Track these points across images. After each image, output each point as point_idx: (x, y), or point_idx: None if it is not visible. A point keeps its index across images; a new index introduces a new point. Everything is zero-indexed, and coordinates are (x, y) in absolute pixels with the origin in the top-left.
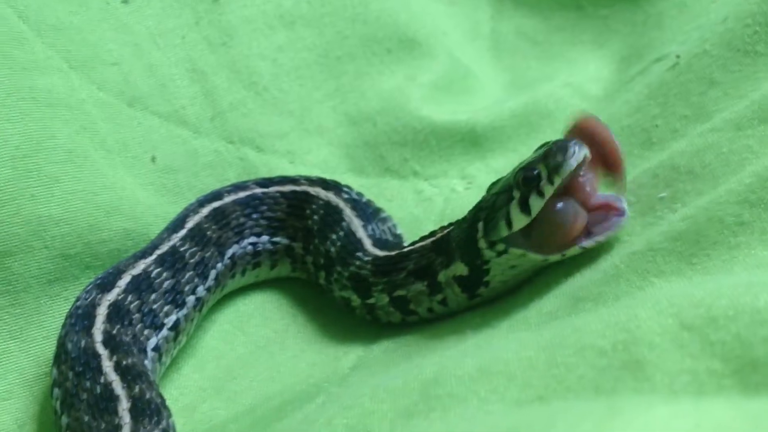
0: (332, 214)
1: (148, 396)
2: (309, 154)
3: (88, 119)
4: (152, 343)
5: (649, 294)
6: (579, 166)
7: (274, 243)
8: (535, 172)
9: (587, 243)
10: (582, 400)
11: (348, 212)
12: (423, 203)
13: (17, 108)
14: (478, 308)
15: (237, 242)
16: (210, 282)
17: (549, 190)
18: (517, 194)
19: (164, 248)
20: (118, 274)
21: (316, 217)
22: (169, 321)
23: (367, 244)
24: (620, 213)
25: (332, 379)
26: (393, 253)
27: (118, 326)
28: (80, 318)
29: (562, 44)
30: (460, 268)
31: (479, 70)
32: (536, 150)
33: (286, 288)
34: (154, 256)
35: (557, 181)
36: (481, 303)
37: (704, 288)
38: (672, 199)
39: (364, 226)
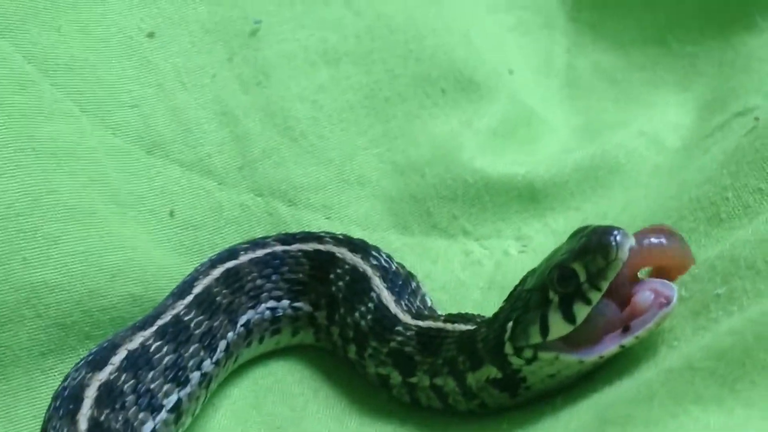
0: (360, 281)
1: None
2: (348, 209)
3: (98, 170)
4: (148, 428)
5: (679, 428)
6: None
7: (295, 309)
8: (572, 272)
9: (626, 341)
10: None
11: (377, 282)
12: (471, 266)
13: (13, 160)
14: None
15: (253, 307)
16: (219, 354)
17: (596, 297)
18: (554, 297)
19: (166, 318)
20: (112, 348)
21: (341, 283)
22: (170, 402)
23: (404, 316)
24: (665, 303)
25: None
26: (436, 324)
27: (108, 411)
28: (66, 401)
29: (642, 84)
30: (492, 371)
31: (548, 113)
32: (572, 236)
33: (310, 357)
34: (154, 328)
35: (604, 285)
36: (526, 401)
37: None
38: (729, 298)
39: (396, 301)
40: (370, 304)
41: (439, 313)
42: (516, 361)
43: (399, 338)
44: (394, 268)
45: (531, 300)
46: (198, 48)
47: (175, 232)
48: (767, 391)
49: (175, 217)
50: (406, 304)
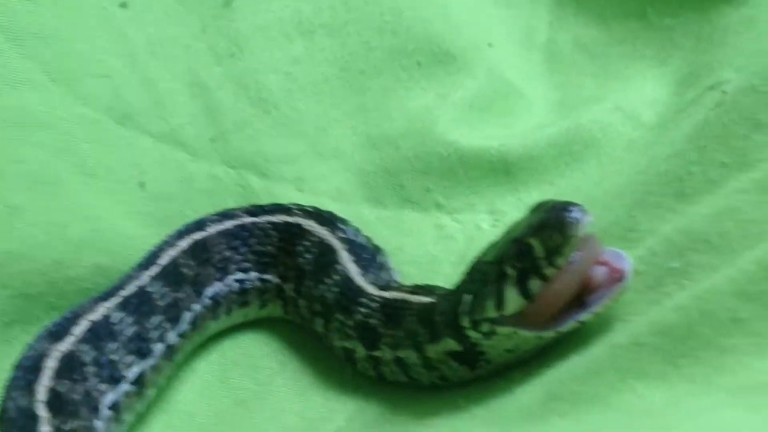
0: (326, 254)
1: None
2: (321, 181)
3: (66, 140)
4: (109, 399)
5: (623, 404)
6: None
7: (263, 281)
8: (528, 248)
9: (584, 316)
10: None
11: (344, 255)
12: (443, 241)
13: None
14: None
15: (220, 279)
16: (184, 326)
17: (552, 273)
18: (512, 272)
19: (130, 289)
20: (74, 319)
21: (308, 256)
22: (132, 374)
23: (369, 288)
24: (620, 278)
25: None
26: (401, 295)
27: (67, 382)
28: (25, 372)
29: (621, 58)
30: (451, 344)
31: (527, 87)
32: (533, 210)
33: (280, 330)
34: (117, 299)
35: (561, 262)
36: (486, 374)
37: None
38: (683, 272)
39: (362, 274)
40: (336, 277)
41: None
42: (473, 335)
43: (364, 310)
44: (361, 241)
45: (488, 274)
46: (171, 19)
47: (144, 203)
48: (710, 367)
49: (146, 189)
50: (372, 277)
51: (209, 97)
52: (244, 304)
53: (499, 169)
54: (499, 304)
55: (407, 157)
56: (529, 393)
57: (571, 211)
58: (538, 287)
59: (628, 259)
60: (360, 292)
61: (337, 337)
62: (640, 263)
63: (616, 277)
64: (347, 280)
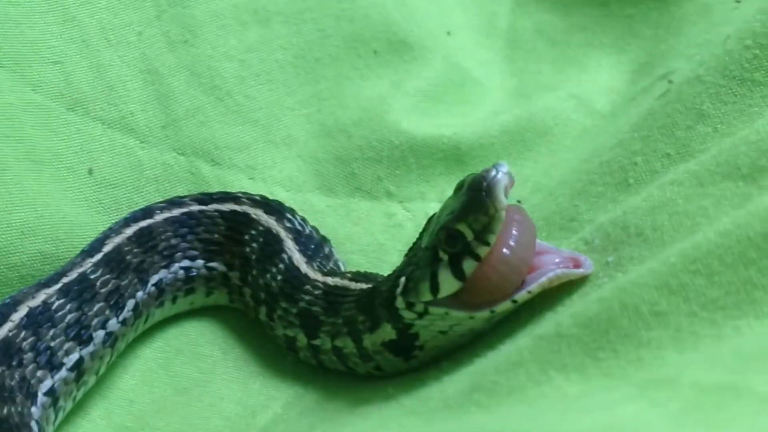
0: (272, 244)
1: None
2: (272, 169)
3: (13, 126)
4: (46, 385)
5: (539, 397)
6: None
7: (209, 269)
8: (458, 233)
9: (518, 295)
10: None
11: (290, 244)
12: (392, 229)
13: None
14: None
15: (166, 267)
16: (126, 314)
17: (485, 251)
18: (444, 256)
19: (72, 275)
20: (14, 305)
21: (254, 245)
22: (70, 360)
23: (314, 274)
24: (568, 265)
25: None
26: (342, 282)
27: (3, 368)
28: None
29: (580, 46)
30: (387, 332)
31: (484, 75)
32: (456, 189)
33: (225, 318)
34: (58, 285)
35: (492, 239)
36: (420, 364)
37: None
38: (617, 265)
39: (308, 263)
40: (281, 266)
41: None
42: (407, 315)
43: (307, 297)
44: (307, 231)
45: (423, 258)
46: (125, 4)
47: (93, 190)
48: (627, 360)
49: (94, 175)
50: (317, 266)
51: (161, 83)
52: (189, 291)
53: (451, 158)
54: (434, 287)
55: (359, 145)
56: (455, 383)
57: (486, 190)
58: (472, 268)
59: (587, 260)
60: (304, 279)
61: (280, 326)
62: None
63: (566, 263)
64: (292, 268)
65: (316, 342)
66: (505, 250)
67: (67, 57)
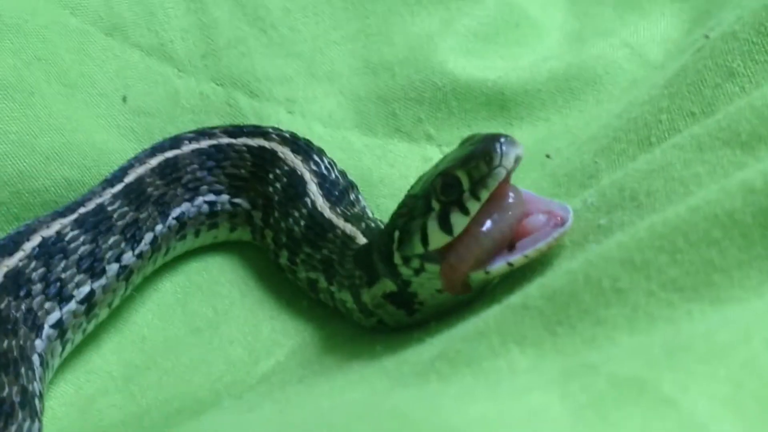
0: (295, 186)
1: (4, 393)
2: (312, 104)
3: (47, 48)
4: (53, 318)
5: (491, 370)
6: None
7: (234, 204)
8: (455, 180)
9: (514, 258)
10: None
11: (313, 188)
12: None
13: None
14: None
15: (189, 200)
16: (143, 247)
17: (474, 207)
18: (436, 206)
19: (89, 206)
20: (27, 234)
21: (278, 185)
22: (81, 293)
23: (337, 220)
24: (559, 224)
25: (236, 387)
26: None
27: (9, 299)
28: None
29: None
30: (387, 285)
31: (544, 15)
32: (462, 143)
33: (249, 255)
34: (74, 216)
35: (484, 195)
36: (424, 318)
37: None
38: (607, 230)
39: (331, 208)
40: (304, 210)
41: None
42: (405, 271)
43: (330, 245)
44: (333, 176)
45: (416, 208)
46: None
47: (126, 117)
48: (581, 338)
49: (128, 103)
50: (341, 210)
51: (204, 12)
52: (213, 226)
53: (494, 103)
54: (424, 239)
55: (402, 85)
56: (431, 347)
57: (498, 140)
58: (460, 221)
59: (569, 208)
60: (327, 225)
61: (302, 269)
62: (574, 217)
63: (556, 223)
64: (316, 214)
65: (333, 288)
66: (483, 228)
67: None
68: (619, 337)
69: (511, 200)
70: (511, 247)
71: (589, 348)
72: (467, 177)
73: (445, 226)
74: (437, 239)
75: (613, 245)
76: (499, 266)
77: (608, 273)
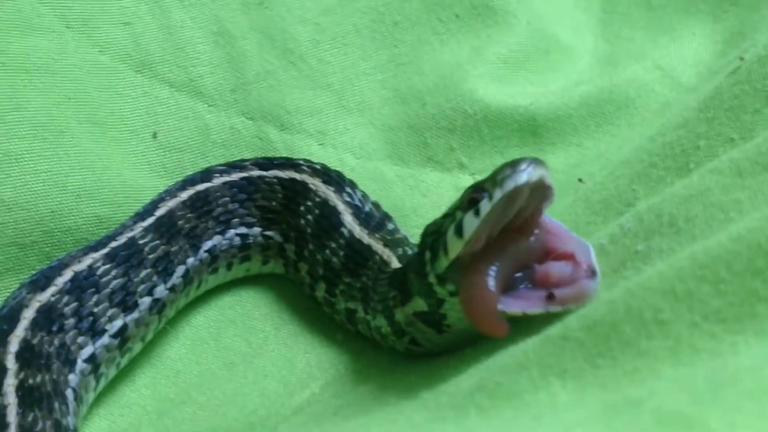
0: (329, 217)
1: (38, 427)
2: (343, 135)
3: (76, 87)
4: (87, 352)
5: (533, 403)
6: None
7: (266, 237)
8: (483, 195)
9: (553, 308)
10: None
11: (348, 218)
12: None
13: None
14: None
15: (220, 233)
16: (175, 280)
17: (485, 207)
18: (459, 215)
19: (120, 240)
20: (59, 269)
21: (310, 217)
22: (113, 326)
23: (376, 245)
24: (589, 274)
25: (271, 420)
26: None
27: (43, 334)
28: (2, 321)
29: (676, 12)
30: (419, 304)
31: (575, 40)
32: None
33: (283, 289)
34: (105, 250)
35: (497, 195)
36: (454, 341)
37: None
38: (645, 257)
39: (370, 234)
40: (342, 241)
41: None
42: (440, 292)
43: (369, 272)
44: (367, 208)
45: (443, 225)
46: None
47: (156, 154)
48: (622, 371)
49: (158, 139)
50: (380, 236)
51: (233, 46)
52: (245, 259)
53: (526, 129)
54: (445, 248)
55: (433, 114)
56: (469, 377)
57: (528, 158)
58: (471, 223)
59: (592, 253)
60: (367, 253)
61: (342, 300)
62: (610, 243)
63: (586, 272)
64: (354, 242)
65: (368, 317)
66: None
67: (137, 17)
68: (662, 369)
69: (533, 238)
70: (550, 296)
71: (632, 381)
72: (492, 185)
73: (458, 230)
74: (454, 246)
75: (653, 275)
76: (535, 309)
77: (649, 303)
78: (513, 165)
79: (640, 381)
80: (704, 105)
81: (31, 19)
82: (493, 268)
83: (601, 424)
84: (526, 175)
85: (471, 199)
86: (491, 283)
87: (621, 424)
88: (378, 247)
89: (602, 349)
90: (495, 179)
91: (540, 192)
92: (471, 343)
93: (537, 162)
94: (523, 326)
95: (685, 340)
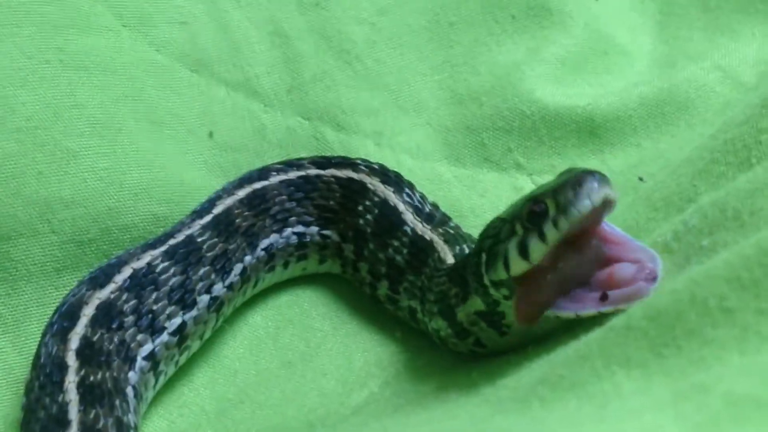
0: (389, 216)
1: (100, 424)
2: (400, 136)
3: (133, 86)
4: (146, 350)
5: (597, 393)
6: (598, 211)
7: (324, 236)
8: (542, 207)
9: (605, 309)
10: None
11: (410, 217)
12: None
13: (37, 72)
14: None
15: (277, 231)
16: (233, 278)
17: (553, 236)
18: (520, 230)
19: (178, 238)
20: (118, 266)
21: (369, 216)
22: (172, 324)
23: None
24: (650, 277)
25: (330, 419)
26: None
27: (102, 331)
28: (62, 318)
29: (733, 12)
30: (477, 303)
31: (632, 42)
32: (559, 175)
33: (341, 289)
34: (164, 247)
35: (563, 225)
36: (516, 342)
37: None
38: (710, 251)
39: (432, 230)
40: (405, 239)
41: None
42: (496, 295)
43: (428, 270)
44: (427, 209)
45: (502, 231)
46: None
47: (212, 153)
48: (688, 359)
49: (215, 138)
50: (443, 230)
51: (289, 46)
52: (302, 257)
53: (584, 130)
54: (506, 263)
55: (490, 114)
56: (531, 372)
57: (592, 176)
58: (538, 249)
59: (659, 261)
60: (430, 250)
61: (405, 297)
62: (674, 239)
63: (647, 276)
64: (417, 240)
65: (425, 318)
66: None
67: (193, 17)
68: (729, 357)
69: (595, 243)
70: (604, 297)
71: (698, 369)
72: (554, 205)
73: (523, 251)
74: (517, 265)
75: (718, 263)
76: (588, 312)
77: (714, 292)
78: (576, 184)
79: (706, 369)
80: (766, 101)
81: (88, 17)
82: (549, 278)
83: (670, 409)
84: (590, 202)
85: (530, 212)
86: (546, 294)
87: (691, 408)
88: (439, 243)
89: (667, 339)
90: (558, 201)
91: (602, 205)
92: (534, 343)
93: (601, 180)
94: (584, 321)
95: (752, 327)
